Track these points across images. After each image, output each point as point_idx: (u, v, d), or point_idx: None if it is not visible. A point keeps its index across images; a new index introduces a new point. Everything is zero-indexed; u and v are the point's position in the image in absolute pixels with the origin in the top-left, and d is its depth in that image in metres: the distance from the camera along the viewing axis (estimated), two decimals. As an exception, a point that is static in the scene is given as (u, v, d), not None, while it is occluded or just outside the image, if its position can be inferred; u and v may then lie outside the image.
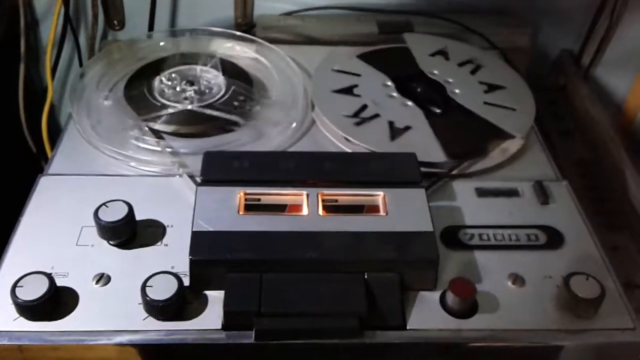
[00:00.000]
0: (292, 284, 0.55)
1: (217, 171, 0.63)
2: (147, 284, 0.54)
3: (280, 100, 0.78)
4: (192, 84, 0.77)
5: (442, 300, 0.57)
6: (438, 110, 0.77)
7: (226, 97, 0.76)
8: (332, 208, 0.61)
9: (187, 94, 0.76)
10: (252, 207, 0.60)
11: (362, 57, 0.85)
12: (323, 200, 0.61)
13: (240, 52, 0.85)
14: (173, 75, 0.79)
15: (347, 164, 0.65)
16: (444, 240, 0.62)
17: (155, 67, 0.80)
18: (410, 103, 0.77)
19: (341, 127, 0.72)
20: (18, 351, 0.53)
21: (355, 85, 0.79)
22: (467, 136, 0.74)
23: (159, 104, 0.74)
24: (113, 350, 0.54)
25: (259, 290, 0.55)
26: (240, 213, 0.59)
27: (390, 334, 0.55)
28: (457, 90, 0.80)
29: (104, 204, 0.59)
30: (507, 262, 0.60)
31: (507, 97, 0.80)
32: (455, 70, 0.84)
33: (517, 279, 0.59)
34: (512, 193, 0.67)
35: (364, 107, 0.75)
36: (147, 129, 0.71)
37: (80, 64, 0.99)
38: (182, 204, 0.63)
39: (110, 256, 0.59)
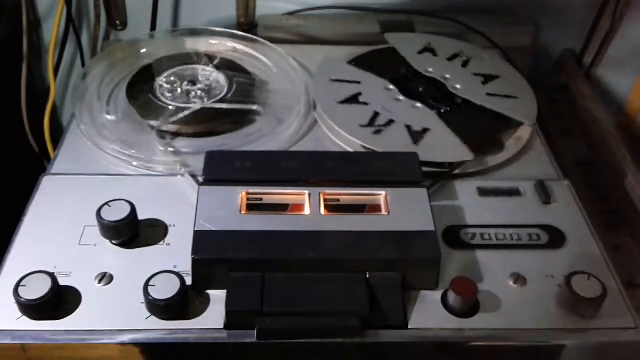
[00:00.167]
0: (294, 284, 0.55)
1: (219, 171, 0.63)
2: (150, 283, 0.54)
3: (282, 100, 0.78)
4: (194, 83, 0.77)
5: (444, 299, 0.57)
6: (447, 108, 0.77)
7: (232, 92, 0.76)
8: (334, 208, 0.61)
9: (196, 93, 0.76)
10: (254, 206, 0.60)
11: (353, 62, 0.84)
12: (325, 200, 0.61)
13: (242, 52, 0.86)
14: (175, 75, 0.79)
15: (349, 164, 0.65)
16: (445, 240, 0.62)
17: (157, 67, 0.80)
18: (419, 105, 0.77)
19: (361, 137, 0.71)
20: (21, 350, 0.54)
21: (359, 94, 0.77)
22: (481, 130, 0.75)
23: (165, 105, 0.74)
24: (115, 349, 0.54)
25: (261, 289, 0.55)
26: (243, 213, 0.59)
27: (392, 334, 0.55)
28: (457, 86, 0.80)
29: (106, 203, 0.59)
30: (508, 261, 0.60)
31: (505, 86, 0.81)
32: (448, 66, 0.84)
33: (519, 279, 0.59)
34: (513, 192, 0.67)
35: (376, 114, 0.74)
36: (150, 129, 0.71)
37: (83, 64, 1.00)
38: (184, 204, 0.63)
39: (112, 255, 0.59)
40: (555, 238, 0.63)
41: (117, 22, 0.97)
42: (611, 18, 1.00)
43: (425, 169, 0.65)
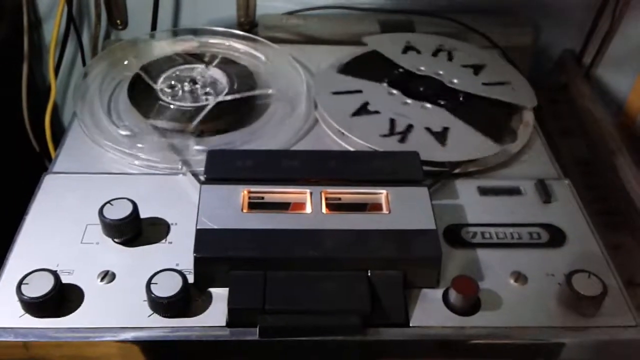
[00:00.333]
0: (296, 282, 0.56)
1: (221, 169, 0.63)
2: (152, 281, 0.54)
3: (283, 99, 0.78)
4: (194, 82, 0.77)
5: (445, 297, 0.57)
6: (455, 105, 0.77)
7: (236, 83, 0.77)
8: (336, 206, 0.61)
9: (203, 90, 0.77)
10: (255, 205, 0.61)
11: (344, 71, 0.82)
12: (326, 199, 0.61)
13: (243, 51, 0.86)
14: (176, 75, 0.79)
15: (351, 163, 0.65)
16: (446, 239, 0.62)
17: (158, 66, 0.80)
18: (428, 105, 0.77)
19: (387, 148, 0.70)
20: (23, 348, 0.54)
21: (367, 103, 0.76)
22: (493, 120, 0.76)
23: (166, 105, 0.74)
24: (118, 347, 0.54)
25: (263, 287, 0.55)
26: (244, 211, 0.59)
27: (393, 332, 0.55)
28: (455, 80, 0.81)
29: (108, 202, 0.59)
30: (509, 260, 0.60)
31: (495, 73, 0.83)
32: (435, 61, 0.84)
33: (520, 277, 0.59)
34: (514, 191, 0.67)
35: (393, 121, 0.74)
36: (150, 126, 0.71)
37: (84, 64, 1.00)
38: (186, 202, 0.63)
39: (115, 254, 0.59)
40: (555, 237, 0.63)
41: (118, 21, 0.97)
42: (610, 18, 1.00)
43: (425, 168, 0.65)
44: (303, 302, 0.55)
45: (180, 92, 0.76)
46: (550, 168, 0.72)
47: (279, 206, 0.61)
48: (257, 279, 0.55)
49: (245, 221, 0.58)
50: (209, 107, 0.73)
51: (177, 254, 0.59)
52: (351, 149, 0.71)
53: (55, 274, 0.54)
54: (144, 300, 0.55)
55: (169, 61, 0.81)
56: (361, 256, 0.57)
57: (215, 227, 0.58)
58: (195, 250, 0.56)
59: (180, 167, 0.67)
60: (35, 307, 0.53)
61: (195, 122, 0.72)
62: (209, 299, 0.56)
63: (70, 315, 0.54)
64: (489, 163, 0.71)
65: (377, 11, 0.97)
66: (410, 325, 0.56)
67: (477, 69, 0.84)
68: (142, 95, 0.76)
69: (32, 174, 0.71)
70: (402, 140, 0.71)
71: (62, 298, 0.55)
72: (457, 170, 0.69)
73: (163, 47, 0.86)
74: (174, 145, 0.70)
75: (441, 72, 0.82)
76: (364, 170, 0.64)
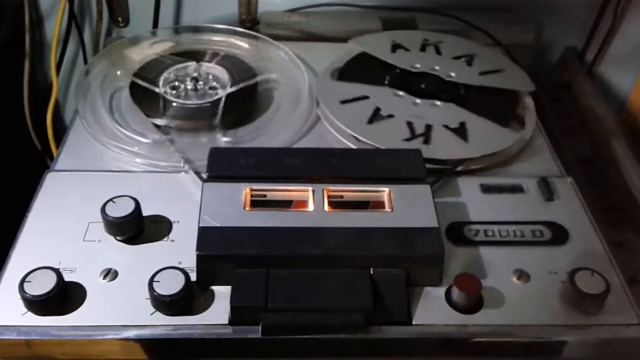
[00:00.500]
0: (299, 280, 0.55)
1: (223, 167, 0.63)
2: (155, 279, 0.54)
3: (285, 97, 0.78)
4: (196, 80, 0.77)
5: (448, 295, 0.57)
6: (462, 99, 0.77)
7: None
8: (338, 204, 0.61)
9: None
10: (258, 203, 0.61)
11: (343, 78, 0.80)
12: (329, 196, 0.61)
13: (245, 48, 0.86)
14: (178, 72, 0.79)
15: (353, 160, 0.65)
16: (449, 236, 0.62)
17: (160, 64, 0.80)
18: (438, 103, 0.77)
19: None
20: (26, 346, 0.54)
21: (378, 109, 0.75)
22: (502, 108, 0.77)
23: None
24: (120, 345, 0.54)
25: (266, 285, 0.55)
26: (246, 209, 0.59)
27: (395, 329, 0.55)
28: (452, 74, 0.81)
29: (111, 199, 0.59)
30: (512, 257, 0.60)
31: (487, 62, 0.84)
32: (426, 57, 0.84)
33: (522, 275, 0.59)
34: (516, 189, 0.67)
35: (410, 124, 0.73)
36: (153, 125, 0.71)
37: (85, 61, 1.00)
38: (188, 200, 0.63)
39: (117, 251, 0.59)
40: (558, 234, 0.63)
41: (119, 19, 0.97)
42: (612, 15, 1.00)
43: (428, 165, 0.65)
44: (305, 300, 0.55)
45: (184, 92, 0.76)
46: (553, 166, 0.72)
47: (281, 204, 0.61)
48: (259, 276, 0.55)
49: (247, 219, 0.58)
50: (222, 100, 0.74)
51: (179, 251, 0.59)
52: (353, 146, 0.71)
53: (57, 272, 0.54)
54: (147, 298, 0.55)
55: (170, 59, 0.81)
56: (364, 254, 0.57)
57: (218, 225, 0.57)
58: (198, 248, 0.56)
59: (182, 164, 0.67)
60: (38, 305, 0.53)
61: (218, 116, 0.72)
62: (211, 296, 0.56)
63: (73, 313, 0.54)
64: (491, 160, 0.71)
65: (379, 8, 0.97)
66: (413, 323, 0.56)
67: (468, 59, 0.84)
68: (149, 103, 0.75)
69: (33, 171, 0.71)
70: (427, 141, 0.71)
71: (65, 296, 0.55)
72: (459, 168, 0.69)
73: (164, 44, 0.85)
74: (175, 142, 0.70)
75: (437, 68, 0.82)
76: (367, 168, 0.64)
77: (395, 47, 0.86)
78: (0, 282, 0.56)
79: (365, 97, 0.76)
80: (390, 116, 0.74)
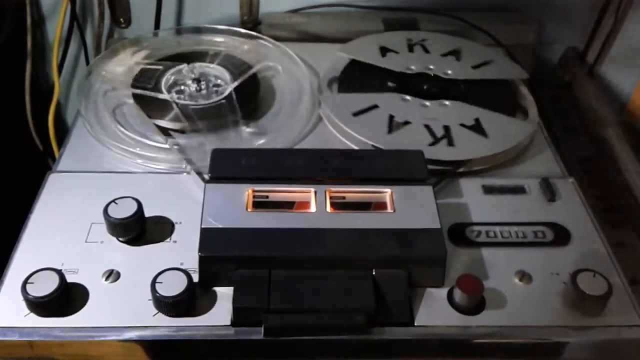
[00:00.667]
0: (301, 281, 0.56)
1: (225, 168, 0.63)
2: (157, 280, 0.54)
3: (287, 98, 0.78)
4: (199, 82, 0.77)
5: (450, 297, 0.57)
6: (467, 95, 0.78)
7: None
8: (340, 205, 0.61)
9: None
10: (260, 204, 0.61)
11: (345, 89, 0.79)
12: (331, 197, 0.61)
13: (246, 49, 0.86)
14: (186, 70, 0.79)
15: (355, 161, 0.65)
16: (451, 237, 0.62)
17: (153, 71, 0.79)
18: (447, 102, 0.77)
19: (447, 158, 0.69)
20: (28, 347, 0.54)
21: (392, 116, 0.74)
22: (506, 100, 0.79)
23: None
24: (123, 346, 0.54)
25: (268, 286, 0.55)
26: (249, 210, 0.59)
27: (397, 331, 0.55)
28: (448, 71, 0.82)
29: (113, 200, 0.59)
30: (514, 259, 0.60)
31: (474, 55, 0.85)
32: (417, 57, 0.84)
33: (524, 276, 0.59)
34: (518, 190, 0.67)
35: (429, 127, 0.73)
36: (155, 126, 0.71)
37: (87, 62, 1.00)
38: (190, 201, 0.63)
39: (119, 253, 0.59)
40: (560, 235, 0.63)
41: (121, 19, 0.97)
42: (614, 16, 1.00)
43: (430, 166, 0.65)
44: (308, 301, 0.55)
45: (190, 95, 0.76)
46: (555, 166, 0.72)
47: (283, 205, 0.61)
48: (262, 278, 0.55)
49: (249, 220, 0.58)
50: (233, 94, 0.75)
51: (181, 253, 0.59)
52: (355, 147, 0.71)
53: (60, 273, 0.54)
54: (149, 300, 0.55)
55: (172, 60, 0.81)
56: (366, 255, 0.57)
57: (220, 226, 0.58)
58: (200, 250, 0.56)
59: (184, 166, 0.67)
60: (40, 306, 0.53)
61: (237, 109, 0.73)
62: (213, 298, 0.56)
63: (75, 315, 0.54)
64: (493, 161, 0.71)
65: (381, 9, 0.97)
66: (415, 324, 0.56)
67: (456, 54, 0.85)
68: (144, 93, 0.75)
69: (35, 172, 0.71)
70: (451, 143, 0.71)
71: (67, 297, 0.55)
72: (461, 169, 0.69)
73: (166, 45, 0.85)
74: (177, 143, 0.70)
75: (432, 67, 0.82)
76: (369, 169, 0.64)
77: (384, 50, 0.85)
78: (2, 283, 0.56)
79: (375, 107, 0.75)
80: (407, 122, 0.73)
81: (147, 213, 0.61)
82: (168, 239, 0.60)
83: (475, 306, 0.56)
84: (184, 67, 0.79)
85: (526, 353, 0.57)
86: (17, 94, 0.93)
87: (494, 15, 0.97)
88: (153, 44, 0.86)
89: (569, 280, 0.57)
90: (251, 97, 0.77)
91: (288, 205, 0.61)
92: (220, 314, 0.55)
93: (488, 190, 0.67)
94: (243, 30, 0.88)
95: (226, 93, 0.76)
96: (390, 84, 0.80)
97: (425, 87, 0.79)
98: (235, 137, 0.71)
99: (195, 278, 0.56)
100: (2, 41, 0.91)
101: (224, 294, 0.56)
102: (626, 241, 0.79)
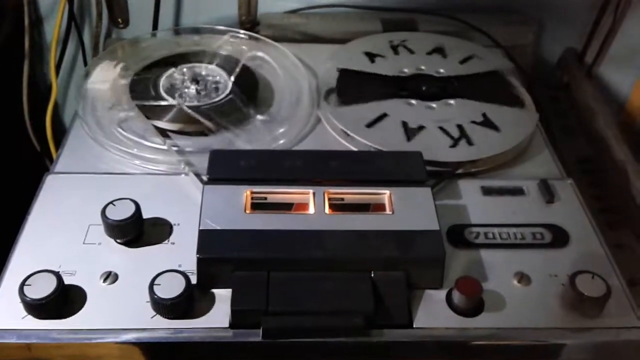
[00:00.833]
0: (299, 283, 0.55)
1: (224, 170, 0.63)
2: (155, 282, 0.54)
3: (285, 99, 0.78)
4: (197, 82, 0.77)
5: (448, 298, 0.57)
6: (467, 91, 0.78)
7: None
8: (339, 207, 0.61)
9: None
10: (258, 205, 0.60)
11: (346, 102, 0.76)
12: (329, 199, 0.61)
13: (244, 50, 0.85)
14: (184, 71, 0.78)
15: (354, 163, 0.65)
16: (450, 239, 0.62)
17: (160, 65, 0.80)
18: (451, 101, 0.77)
19: (467, 158, 0.70)
20: (26, 349, 0.54)
21: (406, 123, 0.73)
22: (502, 91, 0.80)
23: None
24: (121, 348, 0.54)
25: (266, 288, 0.55)
26: (247, 212, 0.59)
27: (396, 332, 0.55)
28: (441, 70, 0.82)
29: (111, 202, 0.59)
30: (512, 260, 0.60)
31: (457, 50, 0.86)
32: (406, 59, 0.84)
33: (523, 278, 0.59)
34: (517, 192, 0.67)
35: (444, 129, 0.73)
36: (153, 127, 0.71)
37: (85, 62, 1.00)
38: (188, 203, 0.63)
39: (117, 254, 0.59)
40: (558, 237, 0.63)
41: (119, 19, 0.97)
42: (612, 16, 1.00)
43: (428, 168, 0.65)
44: (306, 303, 0.55)
45: (179, 91, 0.76)
46: (553, 168, 0.72)
47: (281, 207, 0.61)
48: (260, 280, 0.55)
49: (248, 222, 0.58)
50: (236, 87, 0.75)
51: (179, 254, 0.59)
52: (354, 148, 0.71)
53: (57, 275, 0.54)
54: (147, 302, 0.55)
55: (171, 60, 0.80)
56: (364, 257, 0.57)
57: (218, 227, 0.57)
58: (198, 251, 0.56)
59: (182, 167, 0.67)
60: (38, 308, 0.53)
61: (247, 102, 0.74)
62: (212, 300, 0.56)
63: (73, 317, 0.54)
64: (491, 163, 0.71)
65: (380, 10, 0.97)
66: (414, 326, 0.55)
67: (440, 52, 0.86)
68: (143, 94, 0.75)
69: (33, 173, 0.70)
70: (470, 142, 0.71)
71: (65, 299, 0.55)
72: (459, 171, 0.69)
73: (165, 46, 0.85)
74: (176, 144, 0.70)
75: (423, 67, 0.82)
76: (367, 171, 0.64)
77: (370, 56, 0.85)
78: (0, 285, 0.56)
79: (385, 115, 0.74)
80: (422, 127, 0.73)
81: (145, 214, 0.60)
82: (166, 241, 0.60)
83: (473, 308, 0.56)
84: (173, 70, 0.79)
85: (525, 355, 0.57)
86: (15, 94, 0.93)
87: (492, 16, 0.97)
88: (128, 54, 0.85)
89: (568, 281, 0.57)
90: (253, 88, 0.77)
91: (286, 207, 0.61)
92: (218, 316, 0.55)
93: (487, 191, 0.67)
94: (242, 31, 0.88)
95: (229, 87, 0.76)
96: (390, 89, 0.79)
97: (423, 88, 0.79)
98: (256, 128, 0.72)
99: (194, 280, 0.56)
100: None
101: (222, 296, 0.56)
102: (624, 242, 0.79)
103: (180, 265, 0.57)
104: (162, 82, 0.77)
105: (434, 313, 0.56)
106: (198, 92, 0.76)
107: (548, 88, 1.02)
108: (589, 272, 0.57)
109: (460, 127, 0.73)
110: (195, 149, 0.70)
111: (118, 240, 0.60)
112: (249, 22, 0.97)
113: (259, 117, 0.73)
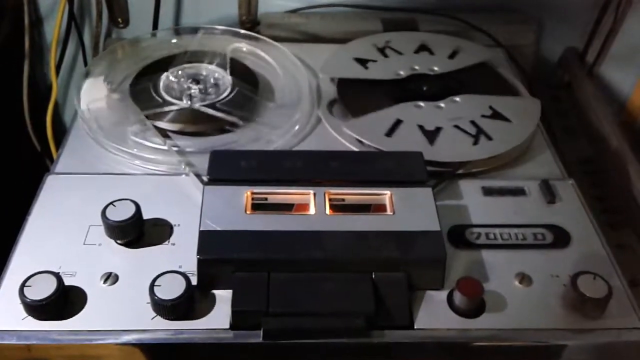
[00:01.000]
0: (300, 284, 0.55)
1: (224, 170, 0.63)
2: (155, 283, 0.54)
3: (286, 98, 0.78)
4: (197, 82, 0.77)
5: (450, 299, 0.57)
6: (470, 86, 0.79)
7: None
8: (339, 207, 0.61)
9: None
10: (259, 206, 0.60)
11: (355, 113, 0.75)
12: (330, 200, 0.61)
13: (245, 50, 0.85)
14: (178, 73, 0.78)
15: (354, 163, 0.65)
16: (451, 240, 0.62)
17: (160, 65, 0.80)
18: (457, 98, 0.77)
19: (490, 154, 0.70)
20: (26, 350, 0.53)
21: (422, 126, 0.73)
22: (498, 81, 0.82)
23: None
24: (121, 349, 0.54)
25: (267, 289, 0.55)
26: (248, 212, 0.59)
27: (397, 334, 0.55)
28: (435, 67, 0.82)
29: (111, 203, 0.59)
30: (514, 261, 0.60)
31: (440, 46, 0.87)
32: (396, 61, 0.84)
33: (524, 278, 0.59)
34: (518, 192, 0.67)
35: (460, 128, 0.72)
36: (153, 127, 0.71)
37: (85, 62, 1.00)
38: (188, 203, 0.63)
39: (117, 255, 0.59)
40: (560, 238, 0.63)
41: (119, 19, 0.97)
42: (613, 16, 1.00)
43: (429, 168, 0.65)
44: (307, 304, 0.54)
45: (180, 91, 0.76)
46: (555, 168, 0.72)
47: (282, 207, 0.61)
48: (260, 280, 0.55)
49: (248, 222, 0.58)
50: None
51: (180, 255, 0.59)
52: (355, 149, 0.71)
53: (57, 276, 0.54)
54: (147, 303, 0.54)
55: (171, 60, 0.80)
56: (365, 258, 0.57)
57: (219, 228, 0.57)
58: (199, 252, 0.55)
59: (183, 167, 0.67)
60: (38, 309, 0.53)
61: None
62: (212, 301, 0.56)
63: (73, 318, 0.54)
64: (492, 163, 0.70)
65: (380, 9, 0.96)
66: (415, 327, 0.55)
67: (426, 49, 0.86)
68: (143, 94, 0.75)
69: (33, 173, 0.70)
70: (489, 138, 0.71)
71: (65, 300, 0.54)
72: (460, 171, 0.69)
73: (165, 46, 0.85)
74: (176, 145, 0.70)
75: (416, 67, 0.82)
76: (368, 171, 0.64)
77: (361, 62, 0.84)
78: (0, 286, 0.56)
79: (400, 121, 0.73)
80: (439, 129, 0.73)
81: (146, 215, 0.60)
82: (166, 242, 0.60)
83: (475, 309, 0.56)
84: (167, 75, 0.78)
85: (526, 356, 0.57)
86: (15, 94, 0.93)
87: (493, 16, 0.97)
88: (128, 53, 0.84)
89: (569, 282, 0.57)
90: (250, 76, 0.79)
91: (287, 208, 0.61)
92: (219, 317, 0.55)
93: (488, 192, 0.67)
94: (242, 31, 0.87)
95: (230, 81, 0.77)
96: (394, 94, 0.78)
97: (424, 88, 0.79)
98: (273, 112, 0.74)
99: (194, 281, 0.56)
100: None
101: (223, 297, 0.56)
102: (626, 243, 0.79)
103: (180, 266, 0.57)
104: (162, 87, 0.76)
105: (435, 314, 0.56)
106: (201, 91, 0.76)
107: (549, 88, 1.02)
108: (590, 273, 0.57)
109: (473, 123, 0.73)
110: (195, 149, 0.69)
111: (118, 241, 0.60)
112: (249, 21, 0.97)
113: (270, 103, 0.75)
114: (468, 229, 0.63)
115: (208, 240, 0.56)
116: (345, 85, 0.80)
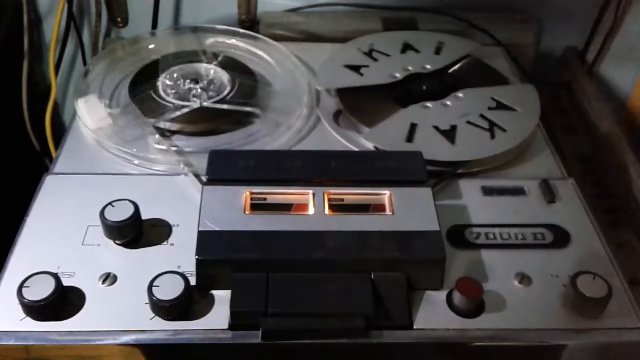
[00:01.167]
0: (299, 284, 0.55)
1: (223, 170, 0.63)
2: (154, 283, 0.54)
3: (285, 98, 0.78)
4: (196, 81, 0.77)
5: (449, 299, 0.57)
6: (467, 81, 0.80)
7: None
8: (338, 207, 0.61)
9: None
10: (258, 206, 0.60)
11: (368, 123, 0.73)
12: (329, 200, 0.61)
13: (244, 49, 0.85)
14: (178, 73, 0.78)
15: (353, 163, 0.65)
16: (450, 240, 0.62)
17: (160, 65, 0.79)
18: (459, 94, 0.77)
19: (505, 148, 0.70)
20: (24, 351, 0.53)
21: (437, 127, 0.72)
22: (490, 72, 0.83)
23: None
24: (120, 350, 0.54)
25: (266, 290, 0.54)
26: (246, 212, 0.59)
27: (396, 334, 0.55)
28: (427, 66, 0.83)
29: (110, 203, 0.59)
30: (513, 261, 0.60)
31: (425, 44, 0.87)
32: (386, 63, 0.83)
33: (524, 278, 0.58)
34: (518, 191, 0.67)
35: (473, 124, 0.73)
36: (152, 128, 0.71)
37: (84, 62, 1.00)
38: (187, 203, 0.63)
39: (116, 256, 0.59)
40: (559, 237, 0.63)
41: (119, 19, 0.97)
42: (613, 14, 1.00)
43: (429, 167, 0.65)
44: (306, 305, 0.54)
45: (180, 91, 0.76)
46: (555, 167, 0.72)
47: (281, 207, 0.60)
48: (259, 281, 0.55)
49: (247, 223, 0.58)
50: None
51: (178, 256, 0.59)
52: (354, 148, 0.71)
53: (56, 276, 0.54)
54: (146, 303, 0.54)
55: (171, 59, 0.80)
56: (364, 258, 0.57)
57: (217, 228, 0.57)
58: (197, 253, 0.55)
59: (182, 167, 0.67)
60: (36, 310, 0.53)
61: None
62: (211, 301, 0.56)
63: (72, 318, 0.54)
64: (492, 162, 0.70)
65: (380, 8, 0.96)
66: (414, 327, 0.55)
67: (410, 48, 0.86)
68: (142, 93, 0.75)
69: (32, 173, 0.70)
70: (503, 129, 0.72)
71: (63, 301, 0.54)
72: (460, 170, 0.68)
73: (164, 45, 0.85)
74: (175, 145, 0.69)
75: (410, 68, 0.82)
76: (367, 171, 0.64)
77: (353, 68, 0.82)
78: (-2, 286, 0.56)
79: (415, 125, 0.73)
80: (454, 127, 0.73)
81: (144, 215, 0.60)
82: (165, 242, 0.60)
83: (474, 309, 0.56)
84: (162, 78, 0.77)
85: (526, 356, 0.57)
86: (14, 94, 0.93)
87: (493, 15, 0.96)
88: (128, 53, 0.84)
89: (569, 282, 0.57)
90: (244, 68, 0.79)
91: (286, 208, 0.60)
92: (217, 317, 0.55)
93: (487, 191, 0.67)
94: (241, 30, 0.87)
95: (227, 75, 0.77)
96: (398, 98, 0.78)
97: (424, 87, 0.79)
98: (281, 99, 0.75)
99: (193, 281, 0.56)
100: (-1, 41, 0.91)
101: (222, 297, 0.56)
102: (626, 242, 0.79)
103: (179, 267, 0.57)
104: (162, 91, 0.76)
105: (434, 314, 0.56)
106: (203, 89, 0.76)
107: (549, 86, 1.01)
108: (590, 273, 0.57)
109: (484, 117, 0.73)
110: (194, 149, 0.69)
111: (117, 242, 0.60)
112: (249, 20, 0.96)
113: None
114: (467, 229, 0.63)
115: (207, 241, 0.56)
116: (346, 95, 0.78)
